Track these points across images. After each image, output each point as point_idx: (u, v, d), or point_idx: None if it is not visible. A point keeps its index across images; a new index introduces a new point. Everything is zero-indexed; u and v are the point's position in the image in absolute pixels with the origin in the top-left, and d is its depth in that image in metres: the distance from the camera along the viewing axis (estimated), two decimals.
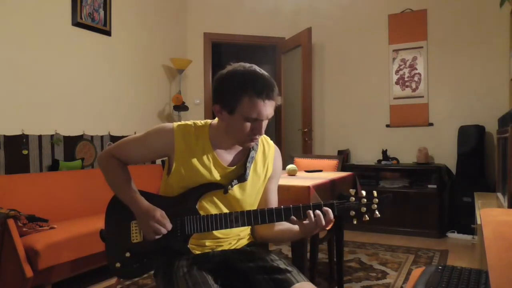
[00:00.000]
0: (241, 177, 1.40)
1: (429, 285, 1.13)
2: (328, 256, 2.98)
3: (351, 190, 1.33)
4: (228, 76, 1.30)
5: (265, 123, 1.33)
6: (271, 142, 1.53)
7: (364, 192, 1.32)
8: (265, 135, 1.52)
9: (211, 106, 1.37)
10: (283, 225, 1.43)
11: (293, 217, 1.29)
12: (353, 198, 1.31)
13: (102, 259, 2.67)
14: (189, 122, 1.43)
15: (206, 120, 1.46)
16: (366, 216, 1.30)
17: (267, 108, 1.29)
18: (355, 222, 1.30)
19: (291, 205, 1.31)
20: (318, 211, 1.27)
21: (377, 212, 1.30)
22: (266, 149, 1.49)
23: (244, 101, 1.26)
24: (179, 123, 1.42)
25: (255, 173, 1.44)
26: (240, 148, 1.44)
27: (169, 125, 1.41)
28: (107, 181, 1.44)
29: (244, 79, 1.27)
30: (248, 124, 1.30)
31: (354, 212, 1.30)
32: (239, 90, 1.26)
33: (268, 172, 1.49)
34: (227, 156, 1.42)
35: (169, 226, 1.34)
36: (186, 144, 1.38)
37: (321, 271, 3.03)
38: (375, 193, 1.32)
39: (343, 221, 2.67)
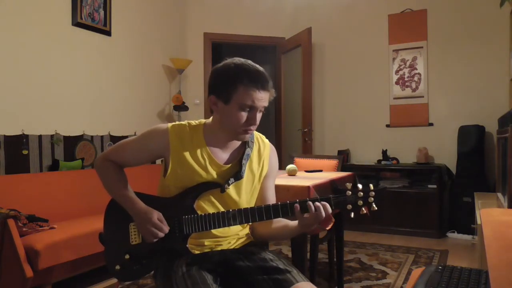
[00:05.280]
0: (237, 175, 1.40)
1: (429, 285, 1.12)
2: (328, 256, 2.98)
3: (347, 184, 1.32)
4: (224, 67, 1.34)
5: (259, 116, 1.34)
6: (266, 141, 1.54)
7: (360, 186, 1.32)
8: (260, 134, 1.52)
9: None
10: (281, 222, 1.43)
11: (297, 205, 1.29)
12: (350, 192, 1.31)
13: (102, 259, 2.64)
14: (183, 122, 1.44)
15: (200, 119, 1.46)
16: (363, 209, 1.30)
17: (262, 98, 1.31)
18: (352, 216, 1.30)
19: (288, 201, 1.31)
20: (317, 203, 1.28)
21: (374, 205, 1.31)
22: (261, 147, 1.50)
23: (240, 89, 1.29)
24: (174, 123, 1.43)
25: (251, 171, 1.45)
26: (236, 146, 1.44)
27: (163, 125, 1.41)
28: (104, 185, 1.44)
29: (239, 69, 1.31)
30: (244, 114, 1.31)
31: (351, 206, 1.30)
32: (234, 78, 1.30)
33: (264, 170, 1.49)
34: (223, 155, 1.43)
35: (167, 228, 1.34)
36: (181, 144, 1.38)
37: (321, 271, 3.03)
38: (371, 186, 1.32)
39: (343, 219, 2.67)
